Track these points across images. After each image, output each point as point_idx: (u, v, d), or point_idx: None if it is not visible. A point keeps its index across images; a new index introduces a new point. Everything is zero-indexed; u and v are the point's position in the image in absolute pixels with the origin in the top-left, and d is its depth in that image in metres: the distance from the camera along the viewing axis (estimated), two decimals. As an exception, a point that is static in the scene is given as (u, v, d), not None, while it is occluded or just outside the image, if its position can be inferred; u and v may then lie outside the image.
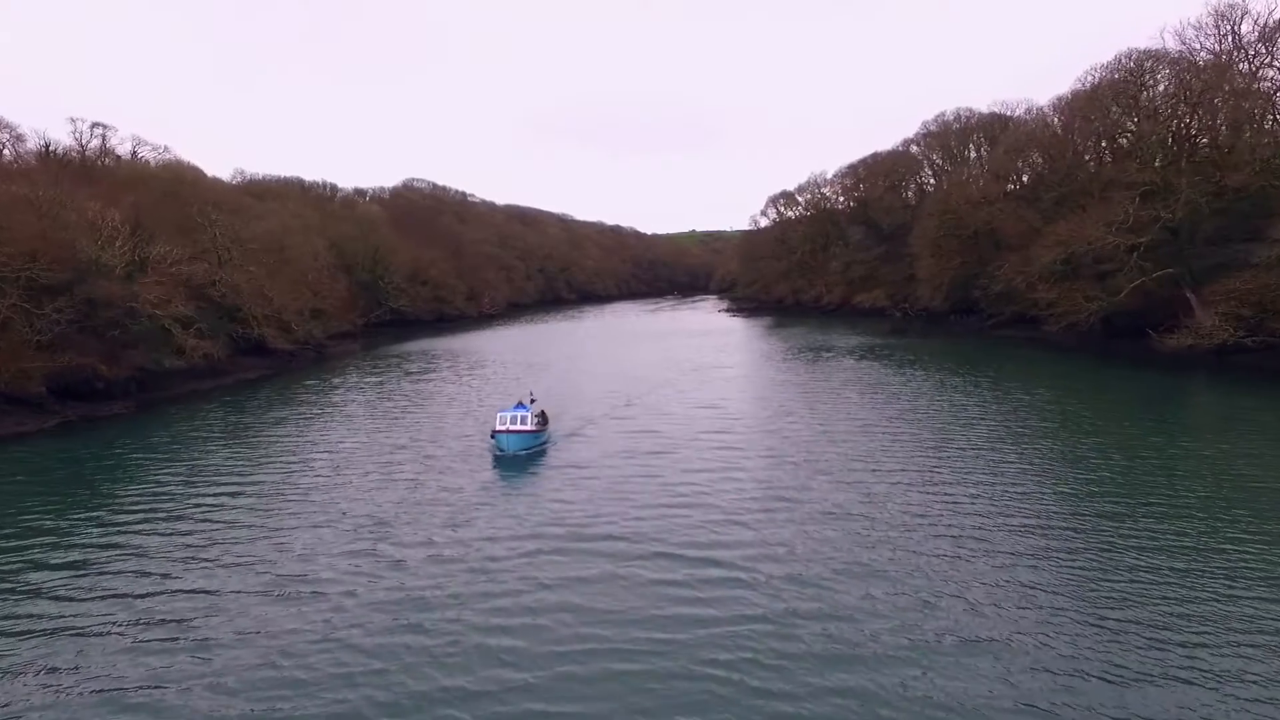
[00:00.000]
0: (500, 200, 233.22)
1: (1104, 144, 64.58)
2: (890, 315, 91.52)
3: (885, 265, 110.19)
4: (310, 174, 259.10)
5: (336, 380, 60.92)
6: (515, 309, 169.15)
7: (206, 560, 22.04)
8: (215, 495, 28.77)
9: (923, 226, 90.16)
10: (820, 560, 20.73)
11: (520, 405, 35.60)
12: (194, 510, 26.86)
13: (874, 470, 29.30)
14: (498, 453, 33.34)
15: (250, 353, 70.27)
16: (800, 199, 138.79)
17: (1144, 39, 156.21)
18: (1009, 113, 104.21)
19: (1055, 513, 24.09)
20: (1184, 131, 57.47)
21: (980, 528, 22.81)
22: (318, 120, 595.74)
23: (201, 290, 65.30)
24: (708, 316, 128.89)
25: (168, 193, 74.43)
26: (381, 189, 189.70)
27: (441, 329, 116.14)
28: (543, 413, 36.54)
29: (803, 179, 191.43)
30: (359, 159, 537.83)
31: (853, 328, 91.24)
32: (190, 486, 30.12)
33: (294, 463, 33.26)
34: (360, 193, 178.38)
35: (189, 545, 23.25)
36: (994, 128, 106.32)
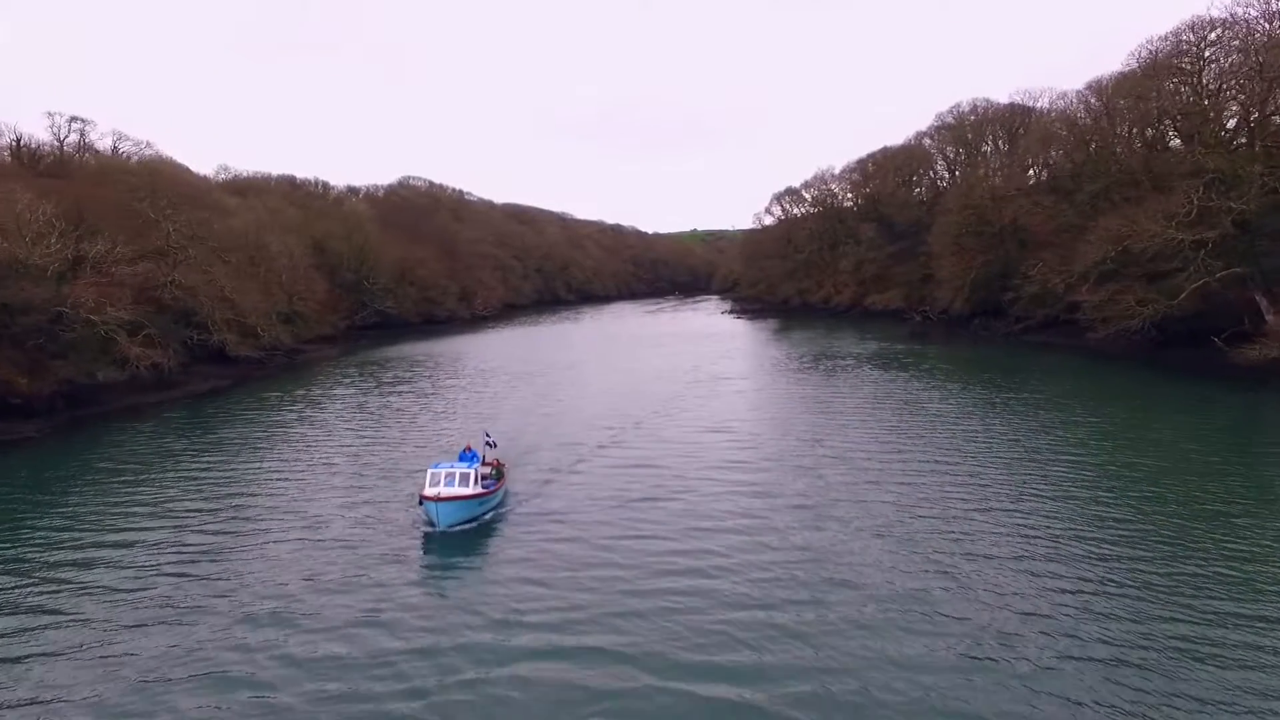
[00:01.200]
0: (500, 199, 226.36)
1: (1160, 127, 57.20)
2: (908, 318, 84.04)
3: (899, 265, 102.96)
4: (307, 172, 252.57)
5: (299, 393, 53.76)
6: (511, 309, 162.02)
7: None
8: (78, 555, 21.78)
9: (942, 223, 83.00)
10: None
11: (467, 455, 26.38)
12: (43, 574, 19.85)
13: (947, 533, 22.10)
14: (426, 529, 23.44)
15: (212, 360, 63.32)
16: (807, 195, 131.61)
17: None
18: (1031, 103, 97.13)
19: (1155, 573, 17.05)
20: (1256, 112, 50.13)
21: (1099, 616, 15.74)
22: (317, 120, 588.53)
23: (151, 293, 58.31)
24: (710, 318, 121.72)
25: (121, 186, 67.28)
26: (376, 187, 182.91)
27: (430, 332, 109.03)
28: (497, 464, 27.50)
29: (808, 175, 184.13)
30: (361, 160, 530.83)
31: (868, 332, 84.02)
32: (55, 537, 23.21)
33: (196, 512, 26.08)
34: (354, 190, 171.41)
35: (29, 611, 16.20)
36: (1015, 119, 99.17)
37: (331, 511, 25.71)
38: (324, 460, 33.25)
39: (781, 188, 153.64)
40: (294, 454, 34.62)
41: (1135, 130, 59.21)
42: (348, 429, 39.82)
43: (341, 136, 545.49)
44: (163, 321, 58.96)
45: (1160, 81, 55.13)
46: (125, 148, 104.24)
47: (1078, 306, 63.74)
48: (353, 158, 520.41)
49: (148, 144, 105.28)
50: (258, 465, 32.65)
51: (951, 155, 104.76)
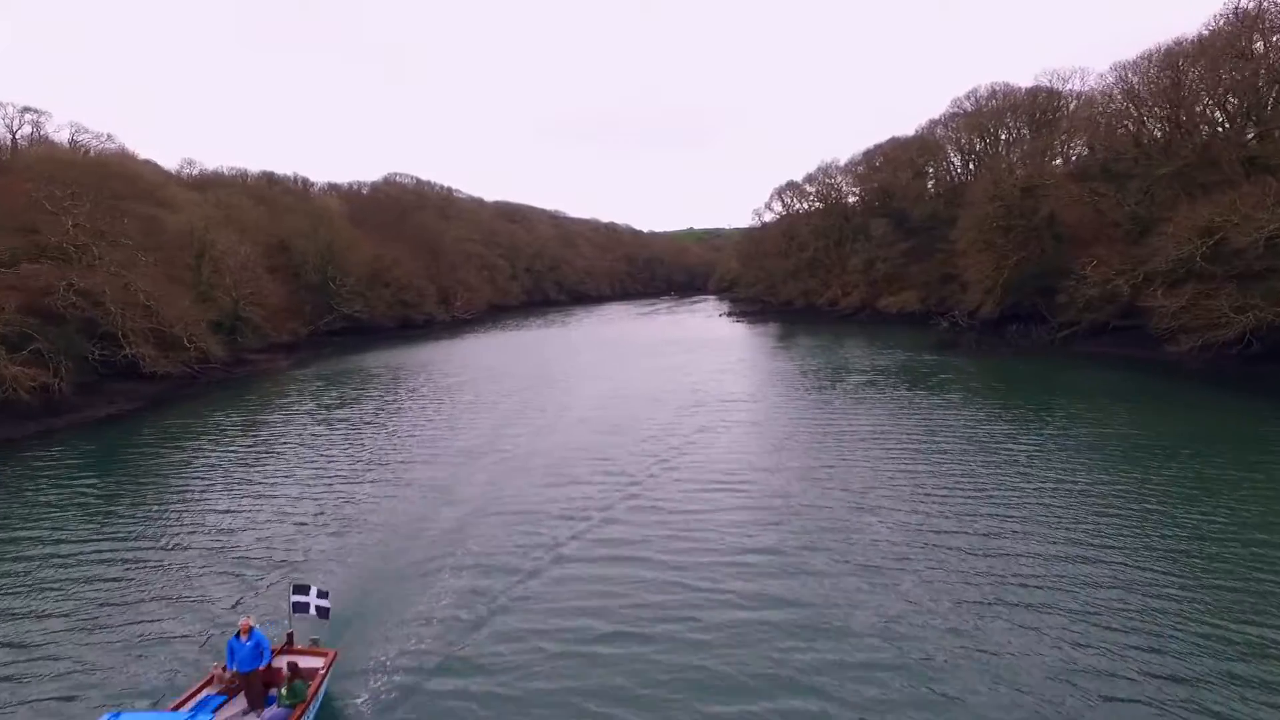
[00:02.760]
0: (494, 197, 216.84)
1: (1259, 94, 47.08)
2: (934, 324, 73.74)
3: (914, 263, 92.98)
4: (301, 171, 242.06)
5: (213, 420, 43.55)
6: (498, 311, 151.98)
7: None
8: None
9: (968, 218, 72.99)
10: None
11: (243, 645, 13.31)
12: None
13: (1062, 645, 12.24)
14: None
15: (129, 378, 53.25)
16: (810, 190, 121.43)
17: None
18: (1059, 84, 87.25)
19: None
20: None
21: None
22: (314, 120, 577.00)
23: (47, 300, 48.19)
24: (708, 321, 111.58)
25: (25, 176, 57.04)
26: (360, 184, 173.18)
27: (405, 337, 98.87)
28: (313, 657, 14.54)
29: (810, 169, 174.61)
30: (359, 159, 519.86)
31: (886, 340, 73.93)
32: None
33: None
34: (334, 186, 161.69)
35: None
36: (1041, 103, 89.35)
37: (111, 646, 15.62)
38: (174, 538, 23.18)
39: (782, 182, 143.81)
40: (137, 525, 24.49)
41: (1218, 101, 49.12)
42: (232, 485, 29.63)
43: (340, 136, 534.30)
44: (61, 334, 48.97)
45: (1244, 45, 45.23)
46: (85, 140, 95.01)
47: (1135, 311, 54.07)
48: (351, 157, 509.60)
49: (108, 136, 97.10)
50: (75, 542, 22.56)
51: (969, 144, 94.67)
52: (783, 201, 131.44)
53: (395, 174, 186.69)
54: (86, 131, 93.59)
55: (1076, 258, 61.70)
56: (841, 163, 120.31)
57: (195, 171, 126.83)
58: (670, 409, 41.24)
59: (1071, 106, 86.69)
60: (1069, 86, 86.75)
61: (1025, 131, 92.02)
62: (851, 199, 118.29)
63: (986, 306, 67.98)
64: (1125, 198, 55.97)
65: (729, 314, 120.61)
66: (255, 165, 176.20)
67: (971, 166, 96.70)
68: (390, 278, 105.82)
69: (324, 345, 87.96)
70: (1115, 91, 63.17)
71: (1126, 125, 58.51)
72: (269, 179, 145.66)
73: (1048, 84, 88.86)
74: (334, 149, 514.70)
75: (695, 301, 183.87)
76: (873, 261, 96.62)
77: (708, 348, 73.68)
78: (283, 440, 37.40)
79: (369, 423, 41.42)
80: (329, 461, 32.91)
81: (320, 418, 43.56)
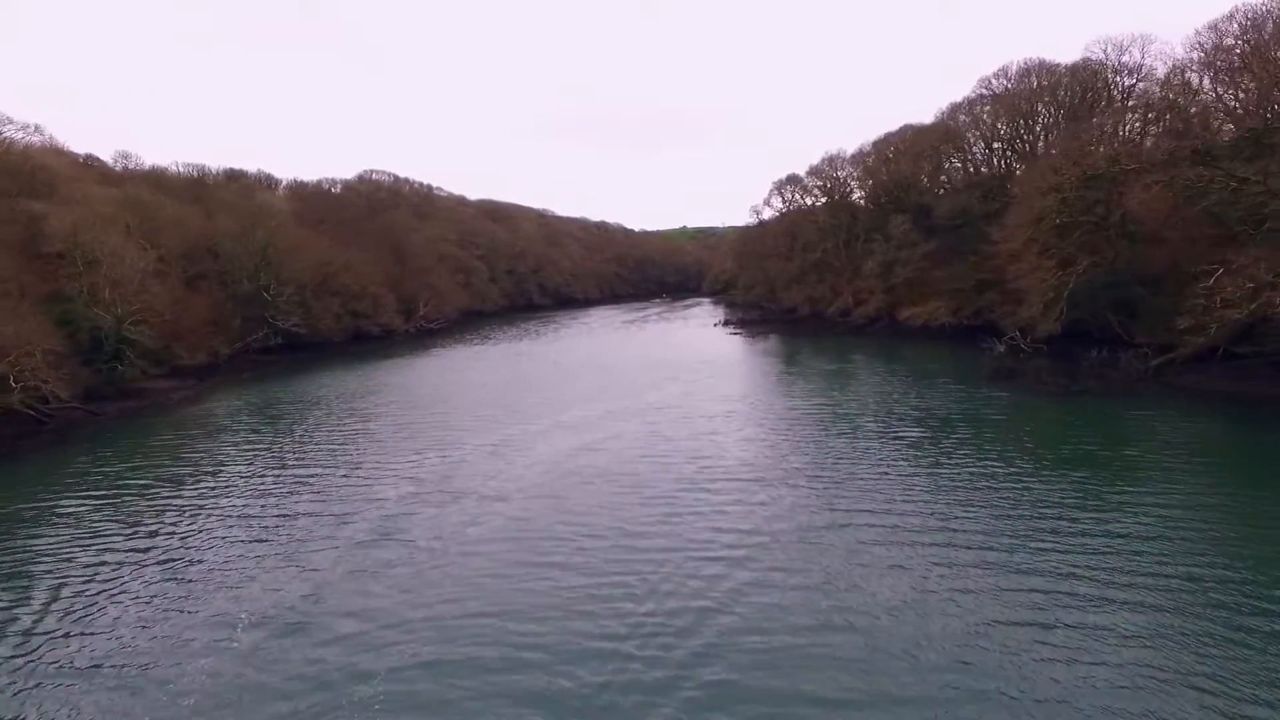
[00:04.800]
0: (483, 195, 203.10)
1: None
2: (987, 347, 58.51)
3: (940, 267, 78.68)
4: (299, 172, 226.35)
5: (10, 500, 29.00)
6: (474, 318, 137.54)
7: None
8: None
9: (1020, 212, 58.61)
10: None
11: None
12: None
13: None
14: None
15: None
16: (815, 184, 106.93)
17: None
18: (1116, 57, 72.91)
19: None
20: None
21: None
22: (311, 120, 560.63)
23: None
24: (702, 333, 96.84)
25: None
26: (333, 180, 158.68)
27: (352, 353, 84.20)
28: None
29: (814, 161, 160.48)
30: (351, 158, 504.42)
31: (922, 364, 59.42)
32: None
33: None
34: (299, 184, 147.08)
35: None
36: (1090, 78, 75.13)
37: None
38: None
39: (783, 175, 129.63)
40: None
41: None
42: None
43: (335, 136, 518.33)
44: None
45: None
46: (9, 131, 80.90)
47: (1256, 333, 40.27)
48: (345, 157, 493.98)
49: (35, 128, 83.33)
50: None
51: (1009, 131, 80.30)
52: (783, 197, 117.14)
53: (371, 171, 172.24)
54: (11, 123, 79.68)
55: (1173, 261, 47.58)
56: (848, 154, 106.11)
57: (131, 165, 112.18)
58: (662, 498, 26.77)
59: (1130, 82, 72.74)
60: (1127, 58, 72.60)
61: (1062, 117, 78.05)
62: (861, 194, 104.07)
63: (1045, 324, 53.58)
64: (1248, 187, 41.68)
65: (725, 324, 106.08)
66: (240, 164, 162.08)
67: (1008, 154, 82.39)
68: (339, 285, 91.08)
69: (248, 367, 73.44)
70: (1210, 58, 49.04)
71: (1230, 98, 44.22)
72: (199, 173, 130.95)
73: (1100, 55, 74.76)
74: (329, 149, 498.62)
75: (688, 305, 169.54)
76: (891, 265, 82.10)
77: (704, 374, 59.36)
78: (123, 521, 22.77)
79: (223, 516, 26.76)
80: (178, 568, 18.47)
81: (185, 484, 28.95)
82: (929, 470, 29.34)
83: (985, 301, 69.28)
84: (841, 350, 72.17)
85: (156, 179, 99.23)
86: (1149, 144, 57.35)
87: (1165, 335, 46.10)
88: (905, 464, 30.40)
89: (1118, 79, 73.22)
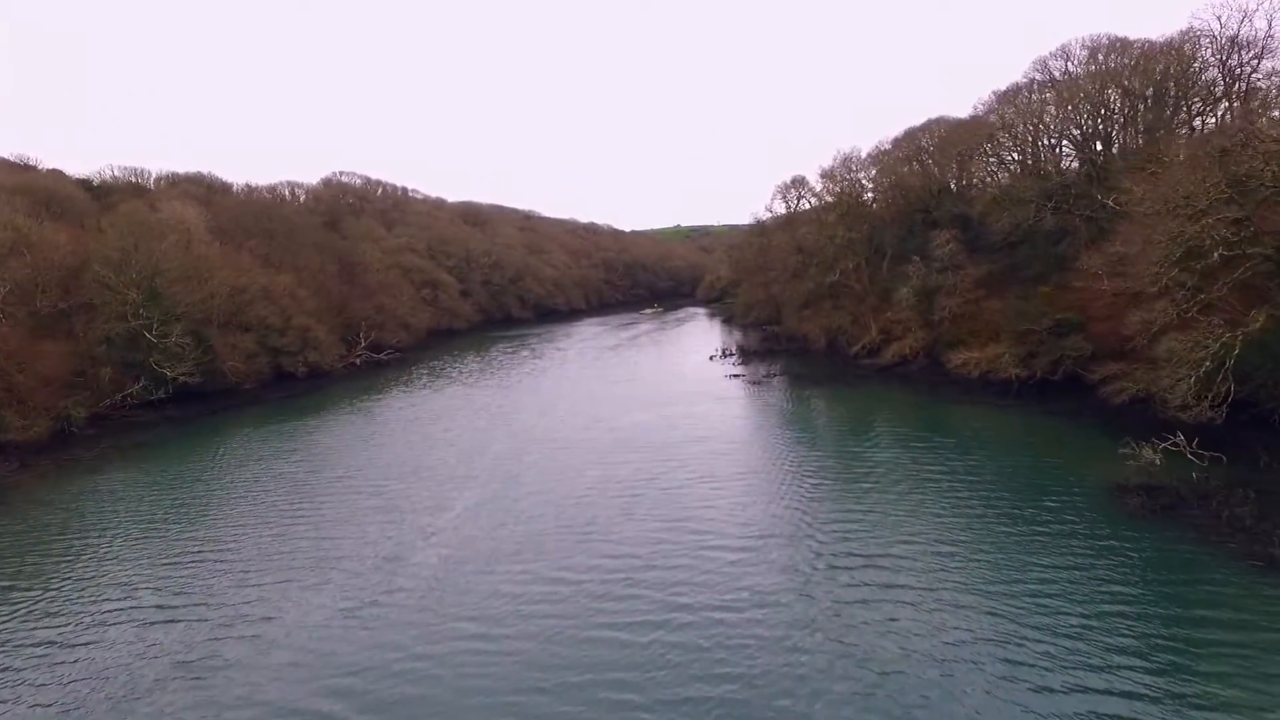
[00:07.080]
0: (467, 196, 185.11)
1: None
2: (1127, 449, 35.90)
3: (996, 296, 61.32)
4: (288, 175, 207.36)
5: None
6: (443, 337, 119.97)
7: None
8: None
9: (1147, 233, 40.86)
10: None
11: None
12: None
13: None
14: None
15: None
16: (828, 188, 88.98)
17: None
18: (1216, 28, 55.31)
19: None
20: None
21: None
22: (307, 120, 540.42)
23: None
24: (699, 370, 78.89)
25: None
26: (295, 184, 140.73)
27: (266, 404, 66.36)
28: None
29: (826, 163, 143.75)
30: (349, 159, 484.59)
31: (997, 449, 41.74)
32: None
33: None
34: (252, 188, 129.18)
35: None
36: (1177, 59, 57.61)
37: None
38: None
39: (787, 178, 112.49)
40: None
41: None
42: None
43: (332, 135, 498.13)
44: None
45: None
46: None
47: None
48: (338, 156, 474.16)
49: None
50: None
51: (1088, 126, 62.65)
52: (787, 203, 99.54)
53: (339, 173, 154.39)
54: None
55: None
56: (863, 153, 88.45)
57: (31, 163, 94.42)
58: None
59: (1248, 58, 55.19)
60: (1229, 29, 55.07)
61: (1147, 98, 60.71)
62: (880, 200, 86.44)
63: (1200, 405, 35.80)
64: None
65: (724, 355, 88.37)
66: (240, 177, 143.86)
67: (1092, 153, 64.72)
68: (254, 317, 73.23)
69: (115, 433, 55.91)
70: None
71: None
72: (171, 179, 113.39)
73: (1202, 23, 57.26)
74: (327, 149, 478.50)
75: (682, 318, 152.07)
76: (932, 293, 64.42)
77: (699, 438, 42.52)
78: None
79: None
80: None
81: None
82: None
83: (1069, 348, 51.84)
84: (875, 408, 54.76)
85: (42, 186, 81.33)
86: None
87: None
88: None
89: (1232, 57, 55.70)
